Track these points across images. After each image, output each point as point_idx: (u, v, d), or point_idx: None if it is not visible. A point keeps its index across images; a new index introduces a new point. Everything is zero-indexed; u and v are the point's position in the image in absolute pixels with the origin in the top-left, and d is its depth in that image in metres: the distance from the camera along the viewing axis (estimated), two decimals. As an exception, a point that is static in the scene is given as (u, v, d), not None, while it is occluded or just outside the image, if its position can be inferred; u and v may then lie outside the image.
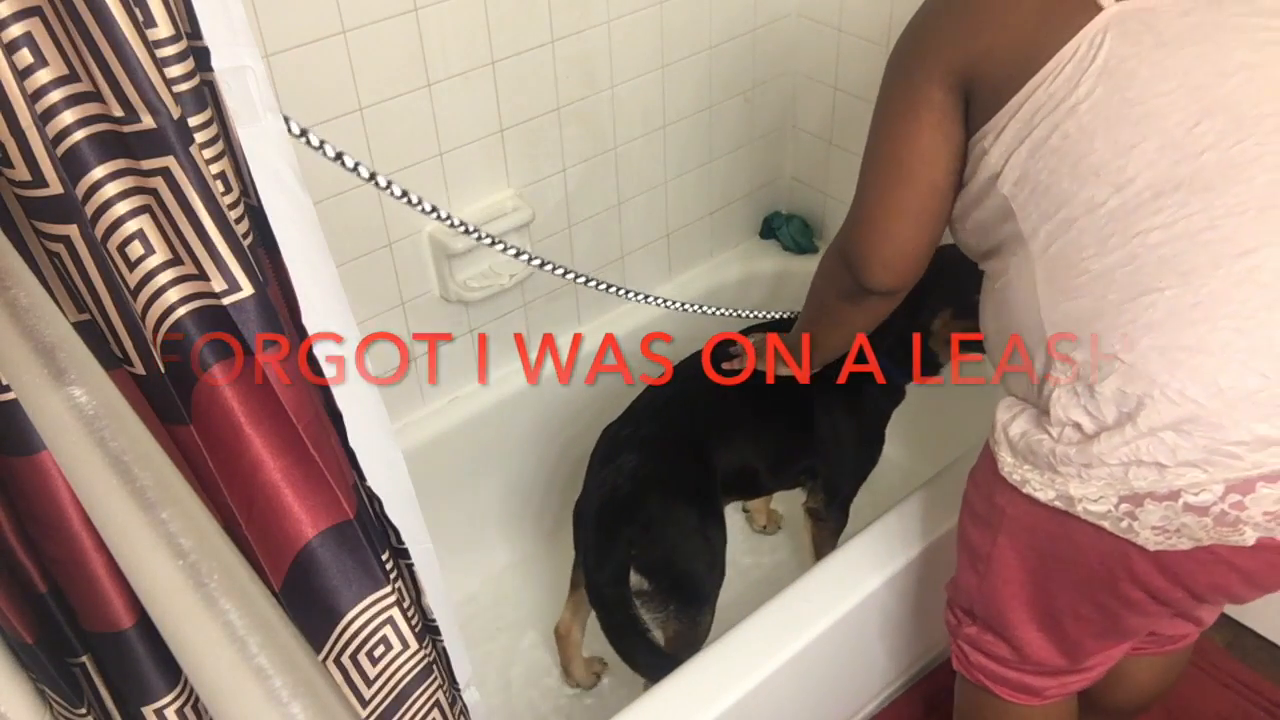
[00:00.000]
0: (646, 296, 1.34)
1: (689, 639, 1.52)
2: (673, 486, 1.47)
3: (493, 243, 1.09)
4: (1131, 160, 0.94)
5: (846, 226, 1.20)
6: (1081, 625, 1.15)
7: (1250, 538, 0.94)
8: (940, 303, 1.50)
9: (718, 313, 1.45)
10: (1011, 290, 1.07)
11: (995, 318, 1.12)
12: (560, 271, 1.21)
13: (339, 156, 0.94)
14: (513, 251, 1.21)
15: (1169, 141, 0.93)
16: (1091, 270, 0.97)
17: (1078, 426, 0.99)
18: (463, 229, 1.07)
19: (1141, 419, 0.93)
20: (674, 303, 1.61)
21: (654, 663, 1.50)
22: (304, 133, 0.83)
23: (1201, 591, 1.04)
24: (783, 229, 2.20)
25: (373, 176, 0.96)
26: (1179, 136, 0.93)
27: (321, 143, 0.85)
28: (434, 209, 1.03)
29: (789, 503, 1.81)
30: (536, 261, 1.16)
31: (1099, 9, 0.96)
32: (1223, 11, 0.95)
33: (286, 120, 0.78)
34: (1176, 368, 0.92)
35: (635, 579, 1.48)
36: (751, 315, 1.71)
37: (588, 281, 1.29)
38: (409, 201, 1.02)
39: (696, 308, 1.41)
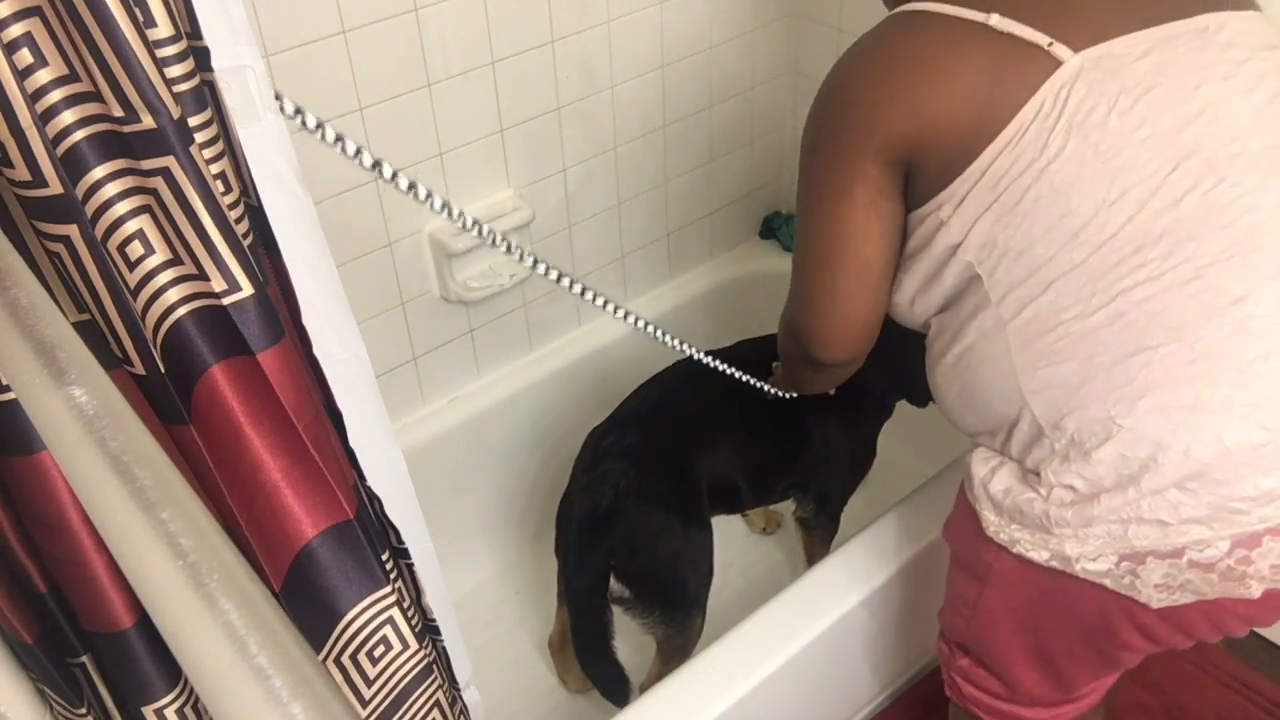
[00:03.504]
0: (632, 316, 1.26)
1: (680, 642, 1.52)
2: (654, 496, 1.46)
3: (494, 241, 1.08)
4: (1112, 216, 0.91)
5: (789, 303, 1.18)
6: (1076, 665, 1.12)
7: (1256, 590, 0.93)
8: None
9: (683, 347, 1.37)
10: (975, 357, 1.03)
11: (954, 383, 1.08)
12: (555, 276, 1.18)
13: (339, 140, 0.94)
14: (503, 247, 1.18)
15: (1147, 192, 0.91)
16: (1074, 331, 0.94)
17: (1071, 489, 0.96)
18: (460, 222, 1.06)
19: (1145, 481, 0.91)
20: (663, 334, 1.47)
21: (611, 677, 1.52)
22: (299, 111, 0.83)
23: (1202, 635, 1.03)
24: (783, 229, 2.20)
25: (376, 164, 0.96)
26: (1155, 185, 0.90)
27: (320, 124, 0.84)
28: (445, 205, 1.02)
29: (787, 504, 1.81)
30: (529, 262, 1.14)
31: (1058, 63, 0.92)
32: (1179, 47, 0.93)
33: (278, 97, 0.78)
34: (1179, 428, 0.90)
35: (617, 586, 1.48)
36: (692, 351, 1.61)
37: (584, 293, 1.25)
38: (414, 193, 1.00)
39: (674, 340, 1.32)
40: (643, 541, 1.47)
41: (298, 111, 0.83)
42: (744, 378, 1.41)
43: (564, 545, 1.53)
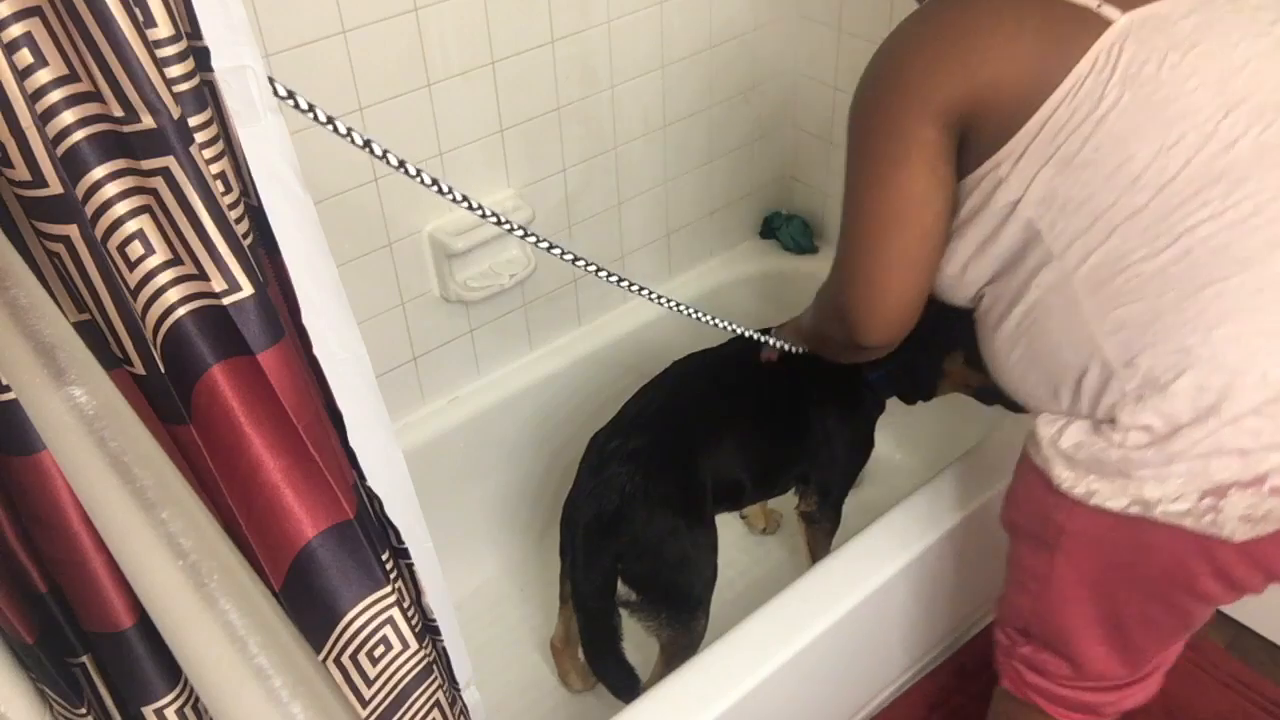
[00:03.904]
0: (677, 304, 1.33)
1: (685, 643, 1.52)
2: (660, 500, 1.46)
3: (510, 228, 1.09)
4: (1171, 160, 0.95)
5: (836, 284, 1.17)
6: (1148, 629, 1.14)
7: None
8: (953, 343, 1.50)
9: (724, 325, 1.44)
10: (1042, 312, 1.06)
11: (1016, 346, 1.11)
12: (596, 270, 1.20)
13: (330, 122, 0.94)
14: (536, 241, 1.19)
15: (1202, 137, 0.95)
16: (1143, 272, 0.97)
17: (1148, 429, 0.98)
18: (481, 213, 1.07)
19: (1225, 409, 0.94)
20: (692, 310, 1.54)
21: (622, 677, 1.52)
22: (291, 95, 0.83)
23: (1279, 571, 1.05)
24: (783, 229, 2.20)
25: (384, 154, 0.96)
26: (1210, 130, 0.95)
27: (311, 106, 0.85)
28: (464, 198, 1.03)
29: (786, 504, 1.81)
30: (556, 251, 1.15)
31: (1107, 23, 0.96)
32: (1217, 9, 0.97)
33: (271, 82, 0.78)
34: (1255, 354, 0.94)
35: (624, 590, 1.48)
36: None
37: (633, 287, 1.28)
38: (428, 182, 1.01)
39: (716, 320, 1.40)
40: (650, 545, 1.47)
41: (290, 94, 0.83)
42: (772, 341, 1.49)
43: (570, 549, 1.53)
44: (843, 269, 1.15)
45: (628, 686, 1.52)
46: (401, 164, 0.99)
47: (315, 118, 0.89)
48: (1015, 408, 1.49)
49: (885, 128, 1.06)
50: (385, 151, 0.97)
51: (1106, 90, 0.96)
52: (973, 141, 1.04)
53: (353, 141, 0.95)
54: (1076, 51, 0.97)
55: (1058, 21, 0.98)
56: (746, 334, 1.45)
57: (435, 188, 1.02)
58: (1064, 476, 1.06)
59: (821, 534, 1.72)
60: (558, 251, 1.16)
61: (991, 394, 1.50)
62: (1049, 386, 1.09)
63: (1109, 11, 0.97)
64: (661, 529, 1.47)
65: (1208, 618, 1.15)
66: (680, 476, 1.50)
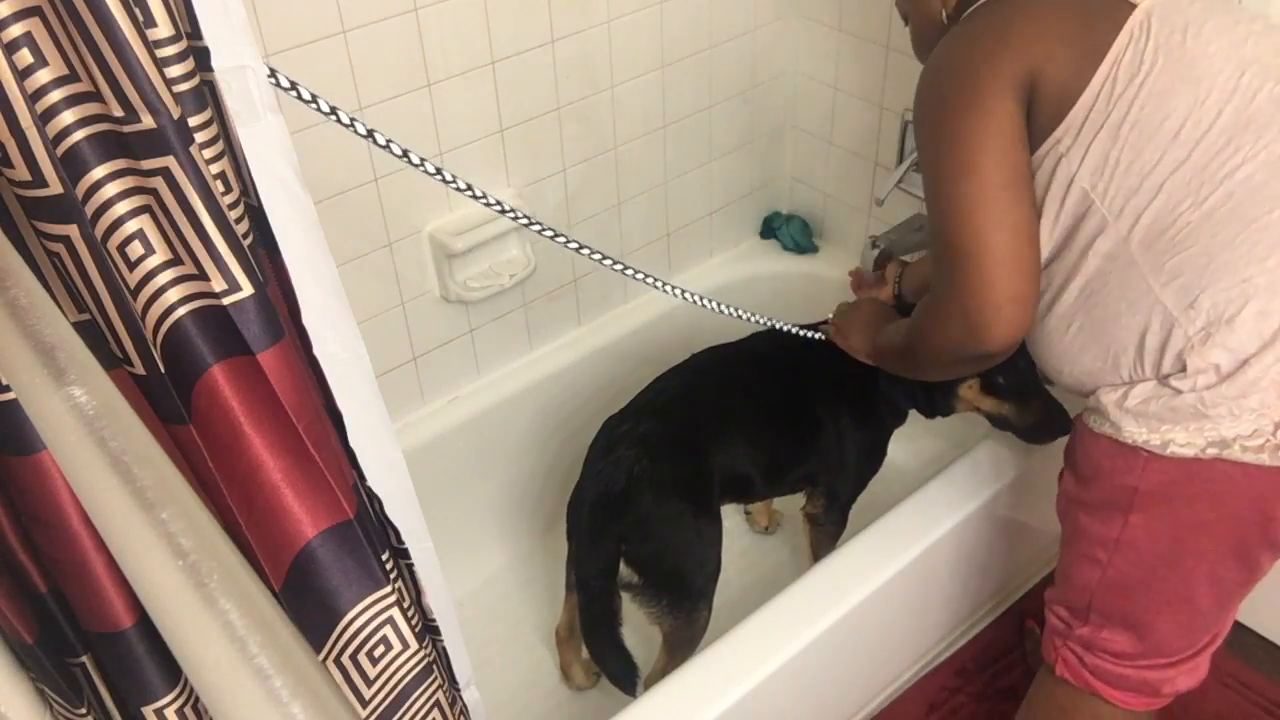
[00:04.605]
0: (692, 294, 1.36)
1: (686, 635, 1.53)
2: (667, 484, 1.47)
3: (529, 222, 1.10)
4: (1205, 113, 1.04)
5: (957, 287, 1.09)
6: (1215, 590, 1.17)
7: None
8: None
9: (743, 316, 1.46)
10: (1100, 281, 1.11)
11: (1073, 321, 1.15)
12: (601, 258, 1.22)
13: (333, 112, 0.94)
14: (552, 235, 1.19)
15: (1227, 92, 1.04)
16: (1191, 221, 1.05)
17: (1216, 369, 1.04)
18: (498, 208, 1.08)
19: None
20: (704, 299, 1.50)
21: (619, 661, 1.53)
22: (294, 85, 0.83)
23: None
24: (783, 229, 2.20)
25: (387, 144, 0.96)
26: (1232, 87, 1.05)
27: (314, 96, 0.85)
28: (471, 187, 1.03)
29: (789, 503, 1.81)
30: (574, 245, 1.16)
31: (1133, 6, 1.07)
32: (1206, 2, 1.09)
33: (274, 73, 0.78)
34: None
35: (626, 572, 1.48)
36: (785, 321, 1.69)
37: (649, 279, 1.30)
38: (448, 178, 1.01)
39: (730, 309, 1.43)
40: (655, 528, 1.48)
41: (292, 85, 0.83)
42: (811, 334, 1.53)
43: (575, 529, 1.54)
44: (960, 270, 1.08)
45: (624, 671, 1.52)
46: (405, 154, 0.98)
47: (318, 109, 0.89)
48: (1028, 437, 1.51)
49: (969, 111, 1.08)
50: (389, 141, 0.97)
51: (1144, 58, 1.05)
52: (1036, 116, 1.09)
53: (355, 131, 0.95)
54: (1113, 29, 1.07)
55: (1093, 6, 1.09)
56: (775, 325, 1.49)
57: (439, 177, 1.02)
58: (1136, 432, 1.10)
59: (825, 537, 1.72)
60: (561, 240, 1.17)
61: (1002, 421, 1.52)
62: (1109, 357, 1.13)
63: None
64: (667, 513, 1.48)
65: (1264, 576, 1.17)
66: (689, 464, 1.51)
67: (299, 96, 0.84)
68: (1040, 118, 1.09)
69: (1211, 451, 1.06)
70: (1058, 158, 1.10)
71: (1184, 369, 1.06)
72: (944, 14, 1.24)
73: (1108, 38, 1.07)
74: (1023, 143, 1.09)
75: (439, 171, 1.02)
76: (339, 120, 0.93)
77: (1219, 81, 1.05)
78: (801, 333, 1.55)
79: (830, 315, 1.58)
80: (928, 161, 1.13)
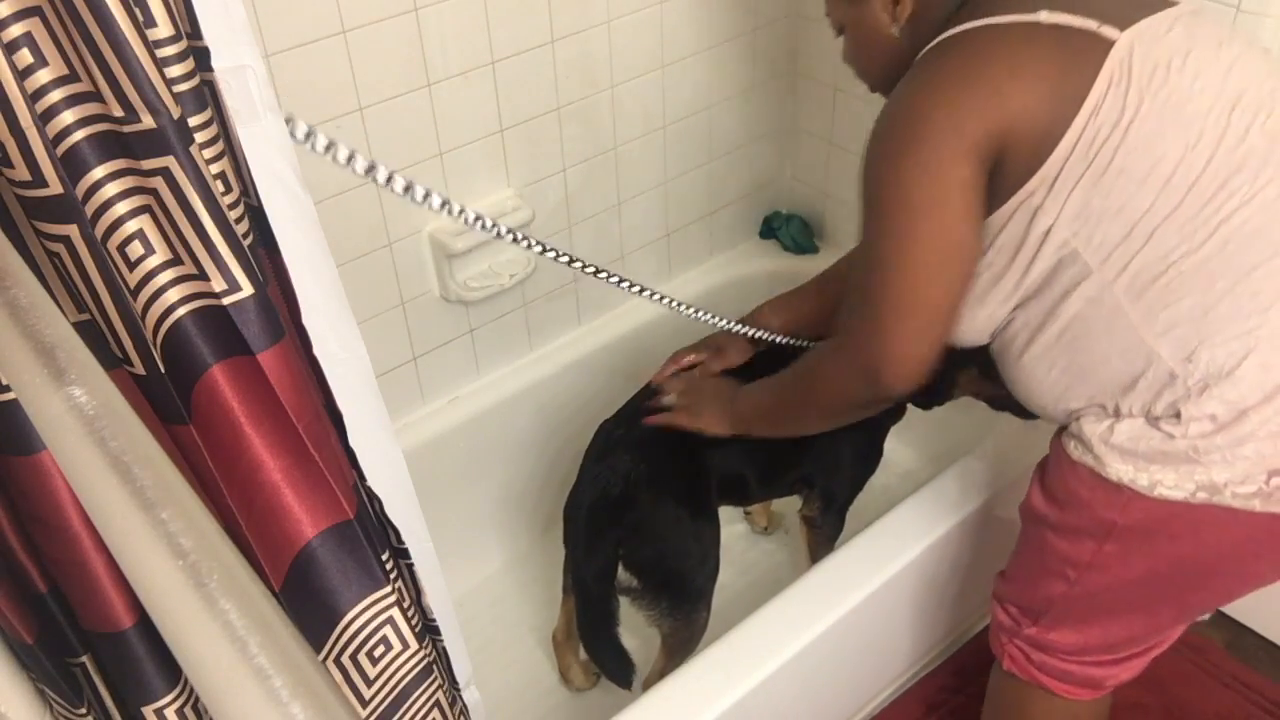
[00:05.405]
0: (684, 305, 1.37)
1: (685, 636, 1.53)
2: (663, 488, 1.47)
3: (501, 234, 1.10)
4: (1197, 157, 0.99)
5: (865, 337, 1.12)
6: (1179, 612, 1.17)
7: None
8: (967, 359, 1.50)
9: (719, 322, 1.46)
10: (1083, 327, 1.06)
11: (1055, 364, 1.10)
12: (593, 272, 1.21)
13: (347, 153, 0.94)
14: (541, 249, 1.20)
15: (1219, 131, 0.99)
16: (1185, 270, 1.00)
17: (1213, 418, 1.00)
18: (478, 224, 1.07)
19: None
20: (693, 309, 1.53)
21: (617, 661, 1.53)
22: (310, 134, 0.83)
23: None
24: (783, 229, 2.20)
25: (389, 179, 0.96)
26: (1224, 125, 0.99)
27: (310, 132, 0.84)
28: (461, 210, 1.03)
29: (789, 503, 1.81)
30: (565, 259, 1.16)
31: (1110, 42, 1.00)
32: (1186, 22, 1.03)
33: (289, 120, 0.78)
34: None
35: (625, 576, 1.48)
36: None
37: (633, 287, 1.29)
38: (415, 198, 1.01)
39: (712, 317, 1.43)
40: (652, 531, 1.48)
41: (309, 135, 0.84)
42: (785, 340, 1.52)
43: (572, 533, 1.54)
44: (873, 323, 1.10)
45: (621, 671, 1.53)
46: (408, 187, 0.98)
47: (335, 159, 0.89)
48: (1025, 414, 1.50)
49: (916, 175, 1.03)
50: (391, 175, 0.96)
51: (1127, 100, 0.99)
52: (1004, 173, 1.03)
53: (375, 181, 0.94)
54: (1091, 71, 0.99)
55: (1068, 46, 1.00)
56: (737, 329, 1.48)
57: (446, 209, 1.02)
58: (1123, 470, 1.06)
59: (823, 539, 1.71)
60: (551, 254, 1.16)
61: (1001, 402, 1.51)
62: (1097, 393, 1.09)
63: (1109, 32, 1.00)
64: (664, 516, 1.48)
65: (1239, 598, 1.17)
66: (685, 467, 1.51)
67: (312, 147, 0.84)
68: (1010, 172, 1.03)
69: (1202, 496, 1.02)
70: (1032, 210, 1.03)
71: (1177, 416, 1.02)
72: (894, 27, 1.15)
73: (1086, 80, 0.99)
74: (970, 213, 1.03)
75: (445, 204, 1.02)
76: (375, 180, 0.92)
77: (1210, 121, 0.99)
78: (788, 342, 1.54)
79: (666, 399, 1.52)
80: (868, 208, 1.08)
